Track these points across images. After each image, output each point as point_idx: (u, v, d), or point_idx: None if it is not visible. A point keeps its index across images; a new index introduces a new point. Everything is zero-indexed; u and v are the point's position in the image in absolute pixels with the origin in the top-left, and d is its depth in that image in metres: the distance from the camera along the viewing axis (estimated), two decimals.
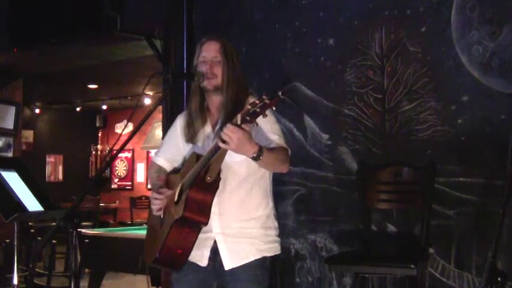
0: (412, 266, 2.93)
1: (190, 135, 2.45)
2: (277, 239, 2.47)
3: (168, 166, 2.58)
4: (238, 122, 2.01)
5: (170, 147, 2.58)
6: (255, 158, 2.11)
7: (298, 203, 3.99)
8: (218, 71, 2.38)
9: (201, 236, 2.29)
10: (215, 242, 2.35)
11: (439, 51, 3.45)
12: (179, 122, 2.55)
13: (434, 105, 3.45)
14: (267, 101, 1.96)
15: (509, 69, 3.21)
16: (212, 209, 2.27)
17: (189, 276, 2.39)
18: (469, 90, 3.33)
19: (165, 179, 2.49)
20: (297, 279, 3.98)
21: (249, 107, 1.99)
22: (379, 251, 3.52)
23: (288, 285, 4.02)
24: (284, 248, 3.95)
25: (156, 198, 2.39)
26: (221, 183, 2.28)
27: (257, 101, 1.97)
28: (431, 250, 3.37)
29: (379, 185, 3.50)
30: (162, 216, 2.38)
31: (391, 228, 3.60)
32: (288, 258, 3.98)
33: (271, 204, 2.47)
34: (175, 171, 2.52)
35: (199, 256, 2.36)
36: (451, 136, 3.39)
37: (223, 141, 2.04)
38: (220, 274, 2.36)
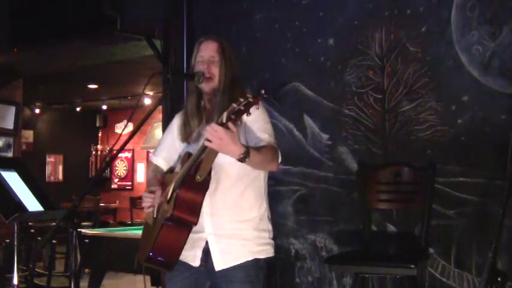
0: (412, 266, 2.93)
1: (186, 135, 2.45)
2: (271, 241, 2.44)
3: (165, 165, 2.57)
4: (224, 120, 2.02)
5: (167, 147, 2.58)
6: (241, 160, 2.10)
7: (298, 203, 3.99)
8: (216, 70, 2.38)
9: (193, 236, 2.28)
10: (207, 242, 2.34)
11: (439, 51, 3.45)
12: (176, 121, 2.55)
13: (434, 105, 3.45)
14: (251, 99, 2.00)
15: (509, 69, 3.21)
16: (204, 209, 2.25)
17: (181, 276, 2.38)
18: (469, 90, 3.33)
19: (160, 179, 2.48)
20: (297, 279, 3.98)
21: (234, 105, 2.01)
22: (379, 251, 3.52)
23: (288, 285, 4.01)
24: (284, 248, 3.97)
25: (146, 197, 2.39)
26: (213, 184, 2.27)
27: (241, 99, 2.00)
28: (431, 250, 3.37)
29: (379, 185, 3.50)
30: (155, 215, 2.38)
31: (391, 228, 3.60)
32: (288, 258, 3.98)
33: (265, 205, 2.43)
34: (171, 170, 2.52)
35: (192, 256, 2.35)
36: (451, 136, 3.39)
37: (209, 140, 2.05)
38: (213, 274, 2.34)
